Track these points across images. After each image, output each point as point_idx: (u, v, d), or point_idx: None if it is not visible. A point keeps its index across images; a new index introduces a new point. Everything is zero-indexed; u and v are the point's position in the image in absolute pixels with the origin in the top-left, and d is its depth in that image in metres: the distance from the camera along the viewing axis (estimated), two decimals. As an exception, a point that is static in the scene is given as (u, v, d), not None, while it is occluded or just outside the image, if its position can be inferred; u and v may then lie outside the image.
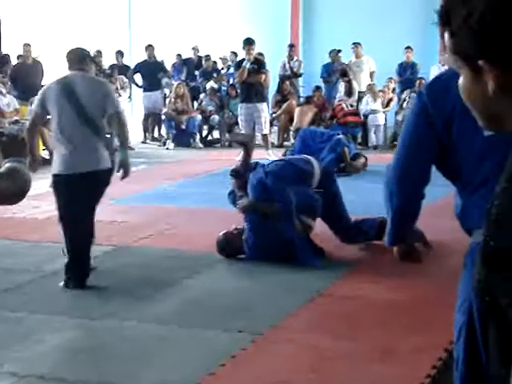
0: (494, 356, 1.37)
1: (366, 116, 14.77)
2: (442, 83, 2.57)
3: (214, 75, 17.07)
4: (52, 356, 4.58)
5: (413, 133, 2.61)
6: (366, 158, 11.54)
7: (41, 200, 9.48)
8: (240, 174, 6.93)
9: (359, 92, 15.72)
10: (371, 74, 16.41)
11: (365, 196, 8.59)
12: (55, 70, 15.65)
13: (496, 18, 1.21)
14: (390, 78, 15.77)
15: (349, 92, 15.48)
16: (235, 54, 17.43)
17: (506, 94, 1.24)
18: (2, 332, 4.98)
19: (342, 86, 15.77)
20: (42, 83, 14.16)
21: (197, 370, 4.32)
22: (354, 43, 16.37)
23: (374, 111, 14.71)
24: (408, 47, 16.18)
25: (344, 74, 15.77)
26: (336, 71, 16.31)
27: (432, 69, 15.20)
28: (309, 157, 7.32)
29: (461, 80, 1.32)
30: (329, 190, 6.91)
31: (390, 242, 2.93)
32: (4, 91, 12.08)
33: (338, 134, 11.55)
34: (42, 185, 10.68)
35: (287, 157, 8.48)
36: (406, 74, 15.94)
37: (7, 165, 2.42)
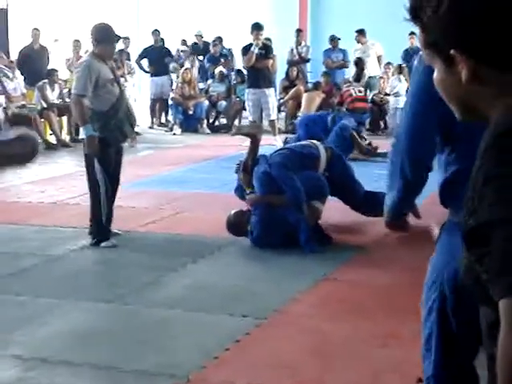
0: (485, 337, 1.36)
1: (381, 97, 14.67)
2: None
3: (222, 60, 17.02)
4: (56, 340, 4.58)
5: (420, 113, 2.46)
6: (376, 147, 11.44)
7: (46, 185, 9.52)
8: (248, 169, 6.84)
9: (368, 77, 15.72)
10: (379, 59, 16.34)
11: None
12: (61, 55, 15.66)
13: (464, 6, 1.24)
14: (388, 64, 15.71)
15: (358, 77, 15.43)
16: (220, 38, 17.37)
17: (479, 82, 1.26)
18: (6, 316, 5.00)
19: (352, 71, 15.77)
20: (48, 68, 14.16)
21: (201, 354, 4.33)
22: (356, 31, 16.30)
23: (397, 94, 14.62)
24: (412, 33, 16.08)
25: (357, 63, 15.73)
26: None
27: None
28: (313, 141, 7.28)
29: (435, 74, 1.34)
30: (338, 172, 6.88)
31: (393, 219, 2.79)
32: (11, 75, 12.09)
33: (332, 112, 11.62)
34: (47, 170, 10.73)
35: (290, 144, 8.39)
36: (412, 60, 15.88)
37: (16, 131, 2.49)
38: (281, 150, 7.33)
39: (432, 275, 2.45)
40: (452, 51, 1.26)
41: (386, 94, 15.12)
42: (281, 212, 6.51)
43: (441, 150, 2.48)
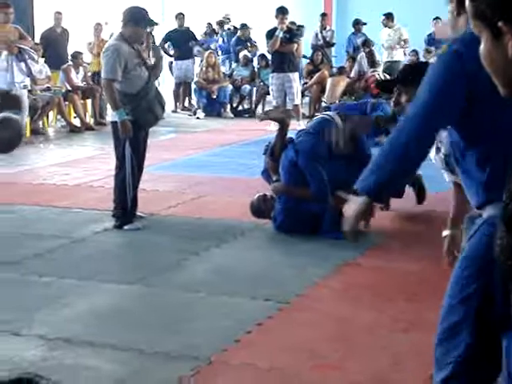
0: None
1: None
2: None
3: (248, 44, 16.98)
4: (79, 320, 4.62)
5: (443, 97, 2.39)
6: None
7: (71, 167, 9.57)
8: (276, 156, 6.75)
9: (393, 62, 15.59)
10: (405, 41, 16.14)
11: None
12: (81, 39, 15.64)
13: None
14: (414, 51, 15.55)
15: (372, 63, 15.26)
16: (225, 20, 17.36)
17: None
18: (30, 296, 5.04)
19: (363, 58, 15.45)
20: (72, 51, 14.18)
21: (223, 336, 4.34)
22: (384, 14, 16.15)
23: None
24: (437, 18, 15.91)
25: (364, 43, 15.42)
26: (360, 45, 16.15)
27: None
28: (330, 113, 7.03)
29: (482, 46, 1.31)
30: (362, 150, 6.81)
31: (370, 193, 2.71)
32: (36, 57, 12.11)
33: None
34: (72, 152, 10.79)
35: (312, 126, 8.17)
36: (436, 45, 15.74)
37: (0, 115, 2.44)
38: (307, 132, 7.07)
39: (473, 262, 2.41)
40: (500, 23, 1.24)
41: None
42: (305, 206, 6.47)
43: (462, 152, 2.42)
